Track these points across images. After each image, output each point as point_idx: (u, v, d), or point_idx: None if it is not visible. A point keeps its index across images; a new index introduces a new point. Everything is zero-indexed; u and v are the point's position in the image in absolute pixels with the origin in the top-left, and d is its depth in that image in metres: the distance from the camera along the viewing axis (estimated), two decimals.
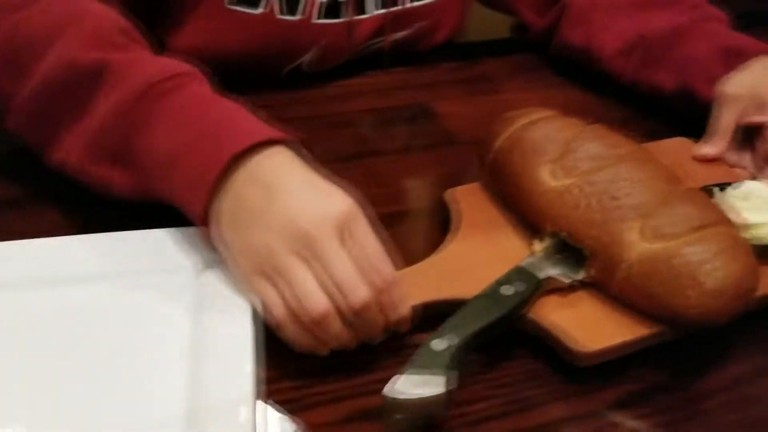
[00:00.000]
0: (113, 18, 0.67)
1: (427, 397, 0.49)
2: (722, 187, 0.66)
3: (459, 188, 0.69)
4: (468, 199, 0.68)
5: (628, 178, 0.60)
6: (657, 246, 0.56)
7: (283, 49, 0.84)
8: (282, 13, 0.81)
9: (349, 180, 0.71)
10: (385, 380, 0.51)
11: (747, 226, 0.62)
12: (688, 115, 0.81)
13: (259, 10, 0.80)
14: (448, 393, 0.50)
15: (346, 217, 0.53)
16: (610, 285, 0.58)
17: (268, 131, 0.57)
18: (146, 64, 0.62)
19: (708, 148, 0.76)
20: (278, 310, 0.53)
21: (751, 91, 0.75)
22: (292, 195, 0.54)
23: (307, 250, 0.52)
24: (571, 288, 0.59)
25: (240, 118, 0.59)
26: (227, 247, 0.56)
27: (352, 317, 0.53)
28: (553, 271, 0.59)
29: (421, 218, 0.71)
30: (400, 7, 0.88)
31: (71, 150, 0.62)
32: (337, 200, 0.54)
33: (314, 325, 0.52)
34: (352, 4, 0.84)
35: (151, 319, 0.56)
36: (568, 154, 0.62)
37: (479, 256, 0.62)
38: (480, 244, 0.63)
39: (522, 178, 0.64)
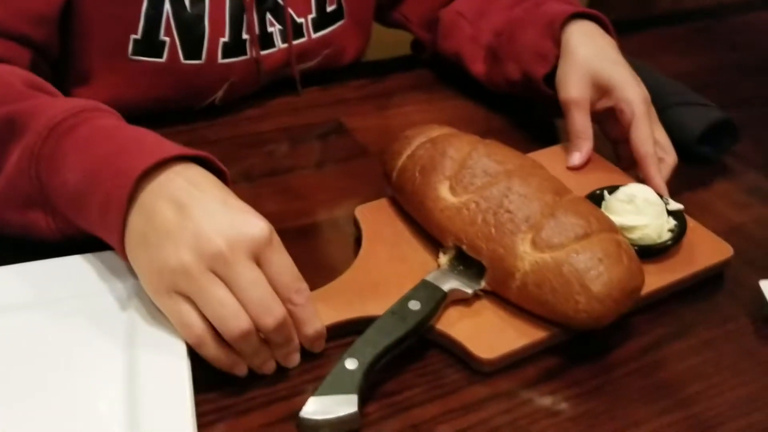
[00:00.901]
0: (18, 73, 0.68)
1: (341, 416, 0.52)
2: (610, 190, 0.71)
3: (368, 204, 0.72)
4: (376, 216, 0.71)
5: (518, 192, 0.62)
6: (546, 255, 0.59)
7: (194, 91, 0.85)
8: (186, 58, 0.82)
9: (264, 196, 0.73)
10: (315, 380, 0.54)
11: (631, 228, 0.67)
12: (542, 102, 0.86)
13: (164, 58, 0.81)
14: (361, 410, 0.53)
15: (260, 238, 0.54)
16: (507, 293, 0.61)
17: (177, 149, 0.58)
18: (50, 107, 0.62)
19: (577, 157, 0.78)
20: (197, 329, 0.53)
21: (591, 81, 0.79)
22: (206, 213, 0.54)
23: (223, 268, 0.52)
24: (475, 297, 0.62)
25: (147, 139, 0.60)
26: (139, 267, 0.56)
27: (270, 335, 0.54)
28: (456, 283, 0.62)
29: (336, 230, 0.74)
30: (304, 39, 0.90)
31: None
32: (251, 221, 0.54)
33: (235, 342, 0.53)
34: (255, 41, 0.86)
35: (84, 345, 0.57)
36: (464, 171, 0.65)
37: (388, 272, 0.64)
38: (389, 260, 0.66)
39: (423, 195, 0.67)
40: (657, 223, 0.67)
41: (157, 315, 0.58)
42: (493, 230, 0.61)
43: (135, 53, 0.80)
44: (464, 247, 0.63)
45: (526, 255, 0.60)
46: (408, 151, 0.70)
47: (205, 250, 0.52)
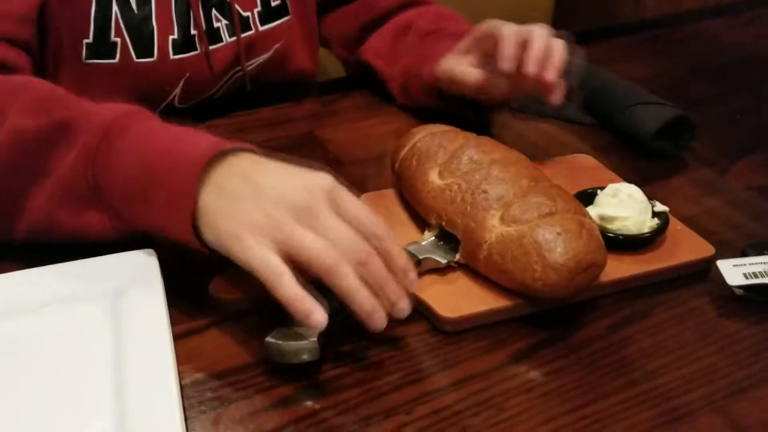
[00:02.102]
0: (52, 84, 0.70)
1: (302, 344, 0.57)
2: (602, 189, 0.75)
3: (373, 193, 0.78)
4: (378, 202, 0.76)
5: (496, 176, 0.68)
6: (512, 229, 0.64)
7: (151, 89, 0.88)
8: (138, 57, 0.85)
9: None
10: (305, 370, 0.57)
11: (611, 219, 0.71)
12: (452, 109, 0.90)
13: (116, 59, 0.84)
14: (320, 341, 0.57)
15: (333, 188, 0.58)
16: (476, 264, 0.67)
17: (232, 142, 0.61)
18: (100, 110, 0.65)
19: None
20: (288, 277, 0.55)
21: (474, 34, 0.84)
22: (278, 177, 0.58)
23: (308, 218, 0.56)
24: (450, 268, 0.68)
25: (199, 135, 0.63)
26: (219, 235, 0.57)
27: (365, 271, 0.56)
28: (432, 254, 0.68)
29: None
30: (252, 32, 0.94)
31: (38, 209, 0.64)
32: (319, 176, 0.59)
33: (330, 277, 0.55)
34: (203, 36, 0.89)
35: (71, 351, 0.58)
36: (454, 159, 0.71)
37: None
38: None
39: (416, 179, 0.73)
40: (638, 218, 0.71)
41: (141, 316, 0.60)
42: (469, 207, 0.67)
43: (89, 57, 0.83)
44: (443, 223, 0.68)
45: (494, 228, 0.65)
46: (410, 143, 0.76)
47: (291, 203, 0.56)
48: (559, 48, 0.79)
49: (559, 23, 1.61)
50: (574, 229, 0.64)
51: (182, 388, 0.58)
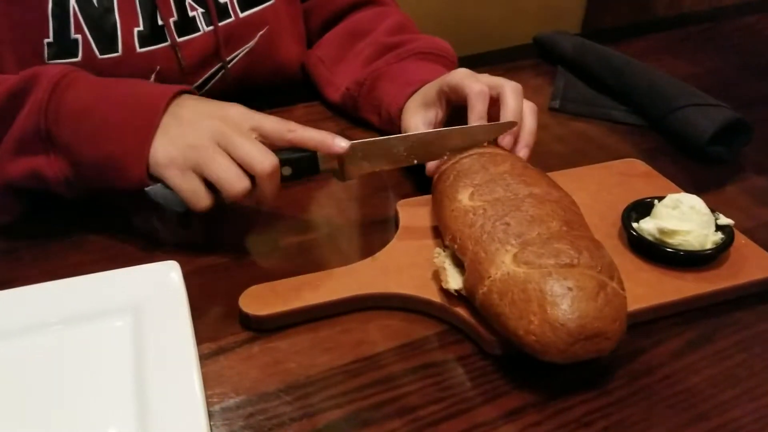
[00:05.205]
0: None
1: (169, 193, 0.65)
2: (659, 199, 0.69)
3: (410, 199, 0.75)
4: (410, 211, 0.74)
5: (526, 211, 0.61)
6: (521, 270, 0.57)
7: None
8: (102, 53, 0.79)
9: (317, 197, 0.80)
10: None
11: (671, 233, 0.65)
12: None
13: (79, 57, 0.78)
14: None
15: (246, 114, 0.67)
16: (474, 299, 0.59)
17: (179, 86, 0.70)
18: (45, 72, 0.69)
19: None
20: (205, 198, 0.65)
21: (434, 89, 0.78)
22: (208, 107, 0.68)
23: (223, 139, 0.65)
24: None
25: (146, 83, 0.71)
26: (160, 151, 0.65)
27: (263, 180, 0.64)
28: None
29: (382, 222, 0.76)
30: (231, 20, 0.87)
31: None
32: (233, 107, 0.68)
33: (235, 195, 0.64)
34: (170, 26, 0.83)
35: (91, 367, 0.55)
36: (490, 183, 0.65)
37: (405, 259, 0.67)
38: (418, 248, 0.68)
39: (445, 195, 0.67)
40: (700, 233, 0.66)
41: (164, 328, 0.57)
42: (485, 236, 0.60)
43: (51, 57, 0.78)
44: (455, 246, 0.62)
45: (503, 265, 0.58)
46: (456, 158, 0.71)
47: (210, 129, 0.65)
48: (529, 118, 0.74)
49: (591, 18, 1.55)
50: (590, 289, 0.55)
51: (210, 415, 0.53)
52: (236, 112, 0.68)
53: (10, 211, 0.75)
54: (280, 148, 0.67)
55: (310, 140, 0.67)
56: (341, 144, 0.67)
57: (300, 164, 0.68)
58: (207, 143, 0.64)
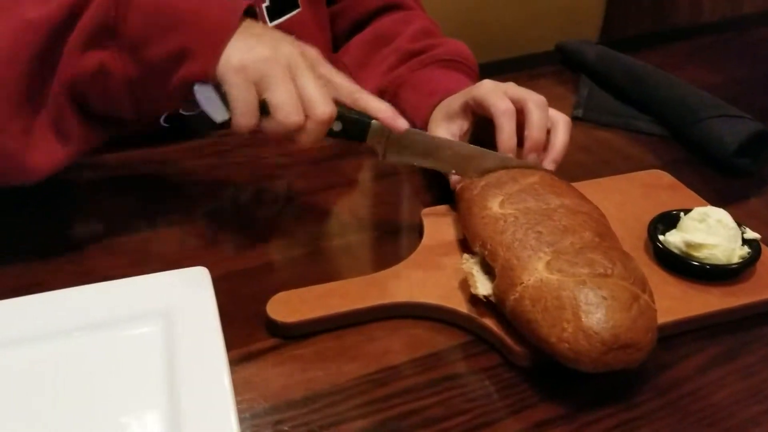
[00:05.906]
0: None
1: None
2: (686, 212, 0.69)
3: (431, 208, 0.75)
4: (434, 219, 0.73)
5: (559, 220, 0.62)
6: (554, 277, 0.57)
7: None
8: None
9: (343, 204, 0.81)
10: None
11: (698, 246, 0.66)
12: None
13: None
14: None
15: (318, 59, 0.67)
16: (504, 306, 0.59)
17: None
18: None
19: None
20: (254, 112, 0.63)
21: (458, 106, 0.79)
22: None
23: (296, 70, 0.64)
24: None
25: None
26: (233, 57, 0.63)
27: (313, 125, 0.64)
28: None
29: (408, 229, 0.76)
30: None
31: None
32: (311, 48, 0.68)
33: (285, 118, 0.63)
34: None
35: (121, 373, 0.55)
36: (522, 193, 0.66)
37: (431, 268, 0.67)
38: (434, 258, 0.69)
39: (474, 203, 0.68)
40: (727, 247, 0.66)
41: (195, 334, 0.57)
42: (517, 243, 0.61)
43: None
44: (486, 252, 0.62)
45: (536, 272, 0.58)
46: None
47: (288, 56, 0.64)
48: (561, 133, 0.74)
49: (609, 26, 1.55)
50: (624, 300, 0.55)
51: (239, 421, 0.53)
52: (314, 53, 0.68)
53: (86, 140, 0.69)
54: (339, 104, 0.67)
55: (375, 108, 0.67)
56: (402, 122, 0.67)
57: (352, 125, 0.68)
58: (281, 66, 0.63)
